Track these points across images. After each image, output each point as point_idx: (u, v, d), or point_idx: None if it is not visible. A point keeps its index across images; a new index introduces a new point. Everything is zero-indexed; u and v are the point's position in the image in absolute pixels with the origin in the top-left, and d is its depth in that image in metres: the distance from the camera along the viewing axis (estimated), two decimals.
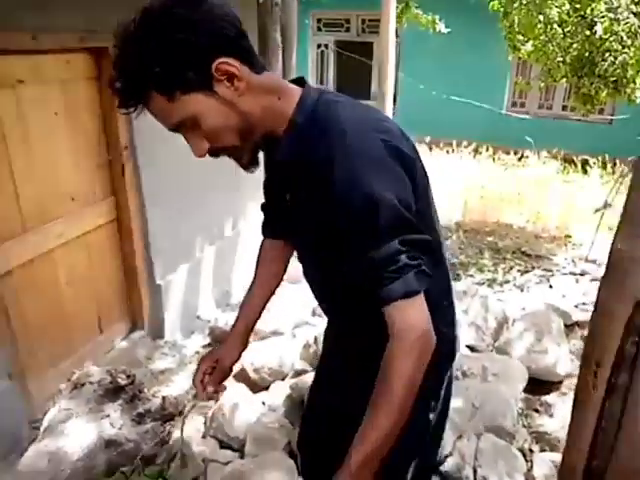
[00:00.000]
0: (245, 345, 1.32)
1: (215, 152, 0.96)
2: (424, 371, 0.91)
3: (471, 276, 5.45)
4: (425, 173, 1.05)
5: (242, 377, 2.75)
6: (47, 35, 2.14)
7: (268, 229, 1.33)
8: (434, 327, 0.93)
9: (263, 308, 1.33)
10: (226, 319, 3.42)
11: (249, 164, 1.01)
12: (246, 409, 2.37)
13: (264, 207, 1.30)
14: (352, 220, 0.90)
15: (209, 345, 3.30)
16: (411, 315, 0.90)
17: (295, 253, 1.25)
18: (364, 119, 0.95)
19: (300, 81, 1.02)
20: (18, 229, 2.29)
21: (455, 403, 2.08)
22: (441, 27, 6.42)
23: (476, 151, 7.38)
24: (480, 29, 8.42)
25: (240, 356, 1.32)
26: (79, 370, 2.60)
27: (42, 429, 2.17)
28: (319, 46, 10.05)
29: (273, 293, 1.34)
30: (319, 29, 9.98)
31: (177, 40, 0.82)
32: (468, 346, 3.08)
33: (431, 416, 1.19)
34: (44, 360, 2.52)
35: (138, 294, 3.04)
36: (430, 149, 7.66)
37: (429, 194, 1.07)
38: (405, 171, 0.92)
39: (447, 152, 7.52)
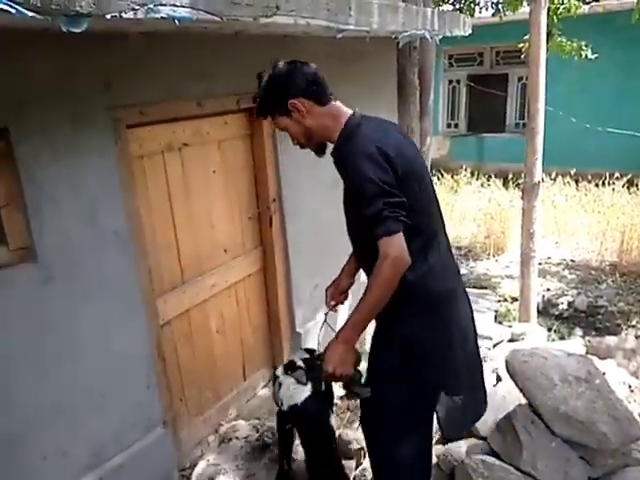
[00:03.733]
0: (353, 281, 1.97)
1: (300, 145, 1.70)
2: (398, 278, 1.45)
3: (633, 327, 4.81)
4: (418, 176, 1.59)
5: None
6: (209, 101, 2.28)
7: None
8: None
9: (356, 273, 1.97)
10: (362, 367, 3.32)
11: (317, 153, 1.71)
12: None
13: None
14: (354, 191, 1.53)
15: (346, 396, 3.21)
16: (390, 244, 1.43)
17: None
18: (372, 133, 1.55)
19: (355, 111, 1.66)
20: (178, 281, 2.42)
21: None
22: (588, 53, 5.94)
23: (631, 183, 6.57)
24: (627, 50, 7.70)
25: (353, 283, 1.97)
26: (224, 420, 2.65)
27: None
28: (450, 82, 9.83)
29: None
30: (451, 65, 9.76)
31: (274, 91, 1.61)
32: None
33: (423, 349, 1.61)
34: (193, 408, 2.60)
35: (279, 341, 3.06)
36: (577, 182, 7.00)
37: (415, 187, 1.56)
38: (390, 166, 1.46)
39: (596, 185, 6.80)
